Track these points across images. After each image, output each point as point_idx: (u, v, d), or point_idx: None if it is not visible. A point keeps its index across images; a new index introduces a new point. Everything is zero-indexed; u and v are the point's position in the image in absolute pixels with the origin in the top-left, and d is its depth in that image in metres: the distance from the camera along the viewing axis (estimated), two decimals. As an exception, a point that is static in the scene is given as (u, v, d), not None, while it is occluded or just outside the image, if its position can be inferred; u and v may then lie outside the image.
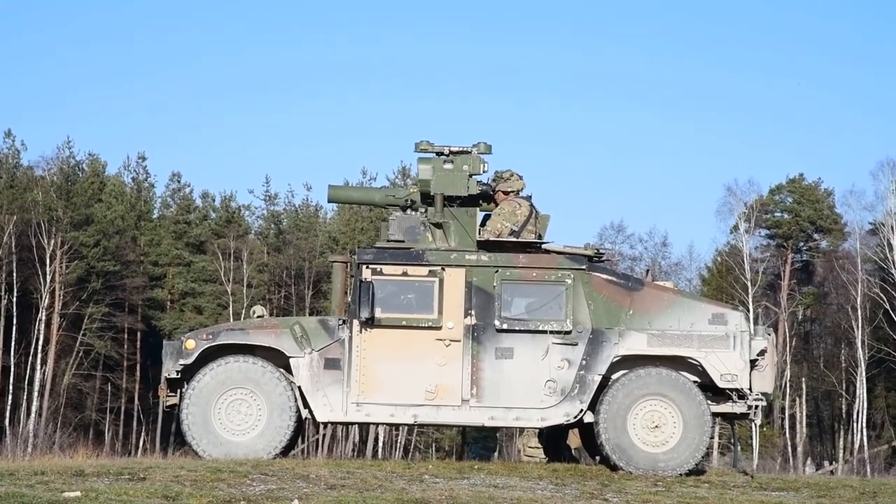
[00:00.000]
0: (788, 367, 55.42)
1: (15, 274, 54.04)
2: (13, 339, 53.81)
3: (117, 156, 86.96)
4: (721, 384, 12.19)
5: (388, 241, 12.44)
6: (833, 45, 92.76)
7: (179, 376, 12.28)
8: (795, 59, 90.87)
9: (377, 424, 15.88)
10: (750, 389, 12.24)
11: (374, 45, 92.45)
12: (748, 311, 48.40)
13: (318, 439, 45.48)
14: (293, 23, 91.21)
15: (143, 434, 57.89)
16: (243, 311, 55.59)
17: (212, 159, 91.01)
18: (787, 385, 55.76)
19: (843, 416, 57.13)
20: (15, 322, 53.75)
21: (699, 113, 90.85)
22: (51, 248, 54.65)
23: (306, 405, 12.23)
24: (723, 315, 12.31)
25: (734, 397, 12.30)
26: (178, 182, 67.10)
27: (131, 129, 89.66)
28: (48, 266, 54.59)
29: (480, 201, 12.71)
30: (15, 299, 53.92)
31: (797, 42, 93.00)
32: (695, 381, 12.23)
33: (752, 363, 12.27)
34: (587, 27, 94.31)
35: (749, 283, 54.50)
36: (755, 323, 12.86)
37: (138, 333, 59.68)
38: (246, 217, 65.90)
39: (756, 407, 12.28)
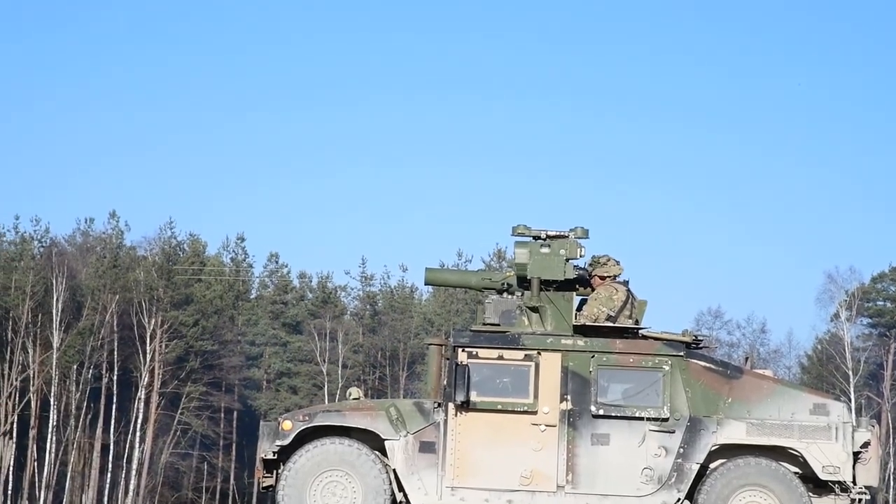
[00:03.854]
0: (892, 459, 53.97)
1: (116, 353, 54.91)
2: (113, 417, 54.53)
3: (217, 236, 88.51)
4: (823, 476, 11.95)
5: (484, 324, 12.43)
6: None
7: (276, 457, 12.32)
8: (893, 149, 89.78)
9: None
10: (853, 482, 11.98)
11: (473, 126, 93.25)
12: (849, 400, 47.43)
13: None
14: (386, 102, 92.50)
15: (237, 514, 58.06)
16: (338, 392, 55.80)
17: (309, 240, 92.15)
18: (891, 478, 54.26)
19: (950, 510, 55.39)
20: (115, 400, 54.50)
21: (799, 200, 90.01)
22: (151, 328, 55.48)
23: (401, 488, 12.20)
24: (825, 405, 12.09)
25: (837, 490, 12.04)
26: (276, 262, 68.04)
27: (231, 210, 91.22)
28: (148, 345, 55.41)
29: (577, 286, 12.65)
30: (115, 378, 54.73)
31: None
32: (795, 473, 12.00)
33: (856, 455, 12.01)
34: (685, 115, 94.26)
35: (850, 373, 53.40)
36: (857, 414, 12.54)
37: (235, 413, 60.15)
38: (342, 298, 66.43)
39: (859, 501, 12.02)
